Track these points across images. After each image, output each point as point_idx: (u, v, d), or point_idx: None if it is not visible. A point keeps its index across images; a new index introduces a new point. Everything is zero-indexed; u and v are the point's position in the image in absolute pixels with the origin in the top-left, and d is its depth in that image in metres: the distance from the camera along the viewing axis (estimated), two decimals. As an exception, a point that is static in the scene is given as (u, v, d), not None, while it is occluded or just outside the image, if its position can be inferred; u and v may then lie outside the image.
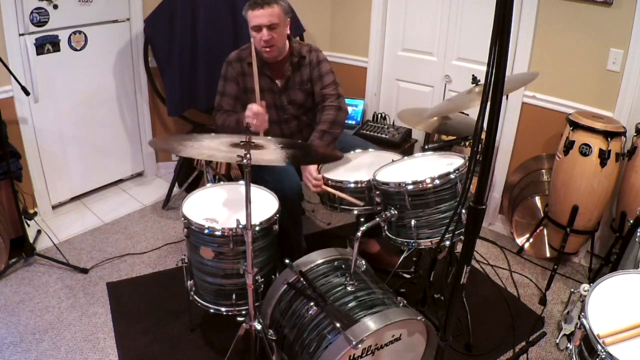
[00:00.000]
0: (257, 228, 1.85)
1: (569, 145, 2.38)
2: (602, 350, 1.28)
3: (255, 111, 2.11)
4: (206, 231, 1.84)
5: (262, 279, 1.91)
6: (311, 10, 3.48)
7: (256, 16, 2.16)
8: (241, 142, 1.49)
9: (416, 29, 3.24)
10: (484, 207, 1.12)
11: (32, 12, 2.68)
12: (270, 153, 1.64)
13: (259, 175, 2.25)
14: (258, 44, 2.21)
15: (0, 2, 2.54)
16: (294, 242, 2.37)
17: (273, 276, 2.03)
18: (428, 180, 1.77)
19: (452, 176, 1.79)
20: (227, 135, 1.51)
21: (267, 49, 2.22)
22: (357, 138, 2.72)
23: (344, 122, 2.37)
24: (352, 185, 2.08)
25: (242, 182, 2.16)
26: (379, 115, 3.35)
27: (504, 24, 0.94)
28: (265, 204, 2.01)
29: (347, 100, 2.49)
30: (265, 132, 2.21)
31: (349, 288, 1.76)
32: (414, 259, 2.44)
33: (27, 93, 2.44)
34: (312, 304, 1.71)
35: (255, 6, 2.15)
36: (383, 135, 3.10)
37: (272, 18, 2.16)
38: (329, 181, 2.12)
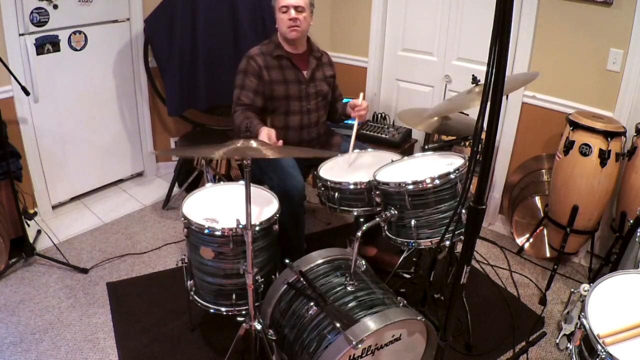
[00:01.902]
0: (257, 228, 1.85)
1: (569, 145, 2.38)
2: (602, 350, 1.28)
3: (270, 138, 2.13)
4: (206, 231, 1.84)
5: (262, 279, 1.91)
6: (311, 10, 3.47)
7: None
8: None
9: (416, 29, 3.24)
10: (484, 207, 1.12)
11: (32, 12, 2.68)
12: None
13: (263, 174, 2.25)
14: (284, 25, 2.31)
15: (0, 2, 2.54)
16: (294, 242, 2.37)
17: (273, 276, 2.03)
18: (428, 180, 1.77)
19: (452, 176, 1.79)
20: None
21: (295, 27, 2.30)
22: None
23: None
24: (352, 186, 2.08)
25: (242, 182, 2.16)
26: (379, 116, 3.35)
27: (504, 24, 0.95)
28: (265, 204, 2.01)
29: (347, 100, 2.55)
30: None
31: (349, 288, 1.76)
32: (414, 259, 2.45)
33: (27, 93, 2.44)
34: (312, 304, 1.71)
35: None
36: (383, 135, 3.10)
37: (299, 1, 2.29)
38: (328, 182, 2.12)
